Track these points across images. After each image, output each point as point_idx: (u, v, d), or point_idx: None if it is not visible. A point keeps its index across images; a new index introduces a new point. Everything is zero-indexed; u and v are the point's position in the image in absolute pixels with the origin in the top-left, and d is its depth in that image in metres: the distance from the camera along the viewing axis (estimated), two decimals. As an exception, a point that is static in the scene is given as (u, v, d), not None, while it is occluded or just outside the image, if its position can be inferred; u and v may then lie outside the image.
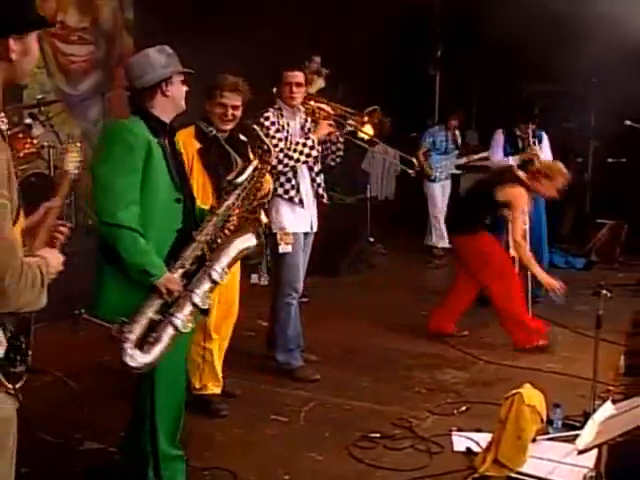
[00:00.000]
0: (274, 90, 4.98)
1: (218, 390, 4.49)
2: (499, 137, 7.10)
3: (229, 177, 3.53)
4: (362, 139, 5.28)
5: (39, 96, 7.17)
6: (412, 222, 9.58)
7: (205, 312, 3.36)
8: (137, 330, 3.08)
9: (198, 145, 4.21)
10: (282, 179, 4.87)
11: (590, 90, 9.64)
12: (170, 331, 3.13)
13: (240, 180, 3.50)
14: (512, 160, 6.97)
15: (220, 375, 4.52)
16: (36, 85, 7.95)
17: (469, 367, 5.38)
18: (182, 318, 3.15)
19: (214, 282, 3.26)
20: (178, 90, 3.29)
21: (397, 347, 5.79)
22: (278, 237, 4.90)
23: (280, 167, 4.75)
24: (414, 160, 6.32)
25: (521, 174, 5.80)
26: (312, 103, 5.15)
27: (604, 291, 4.19)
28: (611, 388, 4.61)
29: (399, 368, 5.36)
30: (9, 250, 2.00)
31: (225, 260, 3.32)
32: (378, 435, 4.18)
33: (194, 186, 3.93)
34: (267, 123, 4.80)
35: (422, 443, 4.12)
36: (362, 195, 9.49)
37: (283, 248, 4.91)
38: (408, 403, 4.70)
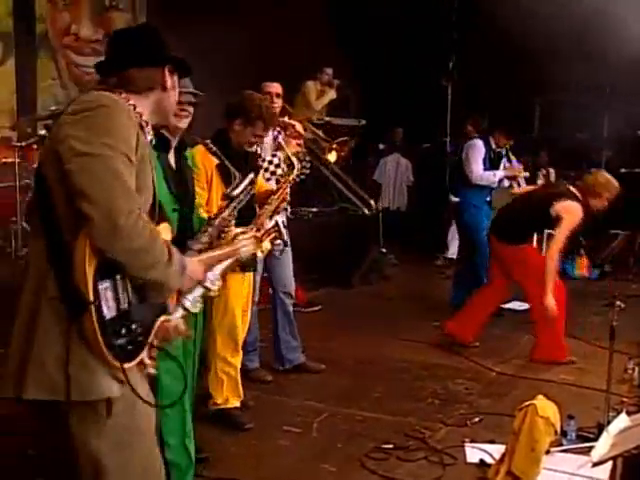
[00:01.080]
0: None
1: (238, 403, 4.47)
2: (479, 150, 6.91)
3: (227, 190, 3.59)
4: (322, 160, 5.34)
5: (53, 107, 7.23)
6: (424, 232, 9.58)
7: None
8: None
9: (216, 161, 4.25)
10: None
11: (603, 100, 9.63)
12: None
13: (236, 193, 3.57)
14: (498, 175, 6.95)
15: (241, 388, 4.52)
16: (50, 97, 8.02)
17: (482, 378, 5.36)
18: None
19: (206, 288, 3.30)
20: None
21: (410, 358, 5.78)
22: None
23: None
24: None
25: (574, 190, 5.68)
26: (286, 119, 5.18)
27: (618, 302, 4.17)
28: (625, 400, 4.59)
29: (412, 379, 5.35)
30: (127, 192, 2.05)
31: (219, 268, 3.36)
32: (391, 446, 4.17)
33: (214, 199, 4.06)
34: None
35: (435, 454, 4.10)
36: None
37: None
38: (421, 414, 4.69)
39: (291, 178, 4.41)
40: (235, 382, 4.45)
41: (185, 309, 3.20)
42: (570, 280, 8.57)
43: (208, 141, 4.21)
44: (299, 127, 5.18)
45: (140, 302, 2.22)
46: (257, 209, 4.25)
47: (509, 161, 7.09)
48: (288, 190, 4.53)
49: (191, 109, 3.65)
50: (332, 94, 9.23)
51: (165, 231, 2.44)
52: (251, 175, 3.71)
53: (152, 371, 2.31)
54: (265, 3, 8.85)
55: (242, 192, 3.60)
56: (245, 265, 4.01)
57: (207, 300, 4.18)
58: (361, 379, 5.33)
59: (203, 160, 4.12)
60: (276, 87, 5.08)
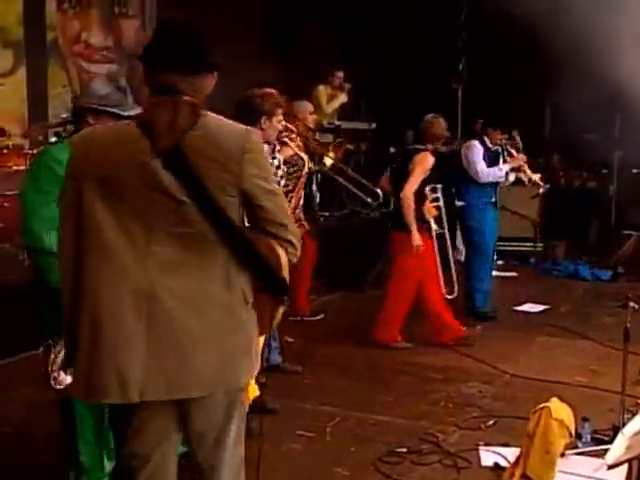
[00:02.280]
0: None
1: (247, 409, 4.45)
2: (478, 149, 6.87)
3: None
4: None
5: (64, 115, 7.25)
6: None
7: None
8: (62, 353, 2.98)
9: None
10: None
11: (614, 101, 9.58)
12: None
13: None
14: (504, 169, 6.90)
15: (250, 393, 4.50)
16: (60, 104, 8.05)
17: (495, 381, 5.33)
18: None
19: None
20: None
21: (422, 361, 5.76)
22: None
23: None
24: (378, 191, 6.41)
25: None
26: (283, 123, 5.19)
27: (631, 303, 4.15)
28: (640, 401, 4.56)
29: (424, 382, 5.33)
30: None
31: None
32: (405, 450, 4.16)
33: None
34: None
35: (449, 458, 4.08)
36: (386, 209, 9.46)
37: None
38: (434, 417, 4.67)
39: (304, 172, 4.45)
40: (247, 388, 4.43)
41: None
42: (584, 282, 8.56)
43: None
44: (295, 131, 5.18)
45: None
46: None
47: (510, 155, 7.05)
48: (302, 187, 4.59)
49: None
50: (343, 97, 9.23)
51: None
52: None
53: None
54: (274, 6, 8.87)
55: None
56: None
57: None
58: (373, 383, 5.31)
59: None
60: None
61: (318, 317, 6.86)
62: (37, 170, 3.43)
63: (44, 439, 4.26)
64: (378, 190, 6.40)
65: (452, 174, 7.13)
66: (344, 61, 9.36)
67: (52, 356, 3.05)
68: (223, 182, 2.31)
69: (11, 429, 4.44)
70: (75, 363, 2.37)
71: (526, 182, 7.23)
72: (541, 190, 7.44)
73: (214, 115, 2.39)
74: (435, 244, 6.16)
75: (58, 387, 3.06)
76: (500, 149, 6.99)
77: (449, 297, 6.44)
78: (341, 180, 6.59)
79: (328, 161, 5.33)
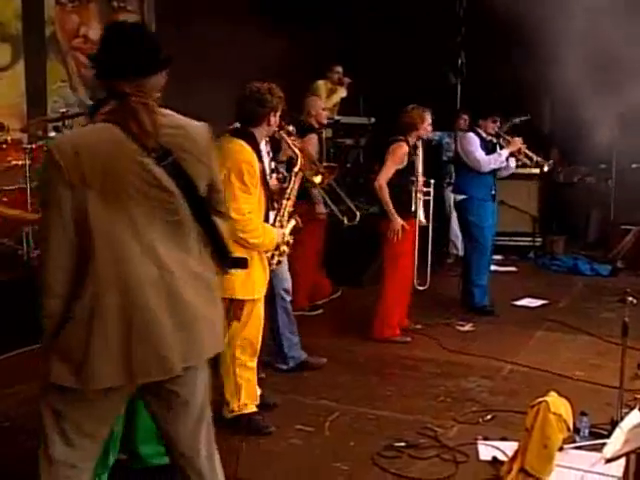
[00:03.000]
0: None
1: (255, 408, 4.43)
2: (475, 140, 6.89)
3: None
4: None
5: (63, 109, 7.24)
6: (434, 231, 9.53)
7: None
8: None
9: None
10: None
11: (614, 97, 9.57)
12: None
13: None
14: (503, 153, 6.90)
15: (257, 391, 4.51)
16: (60, 98, 8.05)
17: (494, 375, 5.34)
18: None
19: None
20: None
21: (421, 355, 5.77)
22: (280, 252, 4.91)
23: None
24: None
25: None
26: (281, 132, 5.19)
27: (630, 298, 4.15)
28: (638, 396, 4.56)
29: (423, 377, 5.34)
30: None
31: None
32: (403, 444, 4.16)
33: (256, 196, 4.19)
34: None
35: (448, 452, 4.09)
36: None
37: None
38: (433, 412, 4.68)
39: (297, 169, 4.46)
40: (253, 386, 4.43)
41: None
42: (583, 276, 8.56)
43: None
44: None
45: None
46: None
47: (506, 142, 7.05)
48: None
49: None
50: (342, 92, 9.22)
51: None
52: None
53: None
54: (273, 1, 8.85)
55: None
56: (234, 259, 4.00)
57: (226, 304, 4.21)
58: (372, 377, 5.33)
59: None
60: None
61: (317, 312, 6.87)
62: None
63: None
64: (357, 213, 6.52)
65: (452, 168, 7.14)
66: (343, 56, 9.35)
67: None
68: (201, 173, 2.60)
69: (10, 424, 4.45)
70: (96, 353, 2.45)
71: (529, 163, 7.22)
72: (546, 167, 7.42)
73: (173, 112, 2.61)
74: (416, 234, 6.25)
75: None
76: (495, 139, 6.99)
77: (420, 288, 6.48)
78: (326, 198, 6.72)
79: (317, 179, 5.39)
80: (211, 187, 2.66)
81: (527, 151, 7.14)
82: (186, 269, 2.57)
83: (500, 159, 6.86)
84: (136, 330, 2.47)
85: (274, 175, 4.82)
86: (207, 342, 2.64)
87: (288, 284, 5.17)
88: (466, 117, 8.41)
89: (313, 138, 6.51)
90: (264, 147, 4.75)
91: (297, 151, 4.57)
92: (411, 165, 6.11)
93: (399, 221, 5.95)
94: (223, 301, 4.18)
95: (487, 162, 6.81)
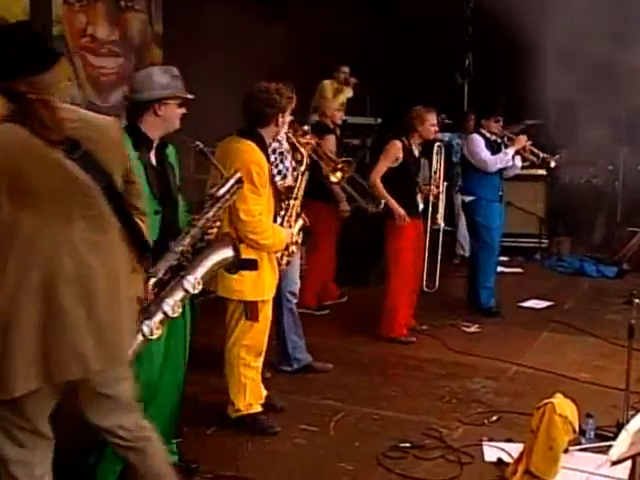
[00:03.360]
0: None
1: (260, 407, 4.42)
2: (479, 141, 6.87)
3: (211, 190, 3.54)
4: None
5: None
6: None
7: None
8: None
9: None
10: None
11: (620, 96, 9.55)
12: (139, 337, 3.14)
13: (221, 193, 3.53)
14: (509, 152, 6.89)
15: (262, 391, 4.50)
16: (67, 97, 8.05)
17: (499, 376, 5.33)
18: (151, 325, 3.17)
19: (186, 291, 3.30)
20: (172, 111, 3.40)
21: (426, 356, 5.77)
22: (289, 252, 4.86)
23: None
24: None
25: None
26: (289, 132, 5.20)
27: (637, 300, 4.14)
28: (644, 398, 4.55)
29: (429, 377, 5.33)
30: None
31: (200, 271, 3.34)
32: (408, 445, 4.16)
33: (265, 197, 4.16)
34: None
35: (453, 453, 4.09)
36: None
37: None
38: (438, 413, 4.68)
39: (303, 168, 4.47)
40: (257, 386, 4.42)
41: (164, 313, 3.23)
42: (589, 278, 8.55)
43: None
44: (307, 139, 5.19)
45: None
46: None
47: (510, 140, 7.04)
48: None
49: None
50: (348, 92, 9.21)
51: None
52: (238, 175, 3.65)
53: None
54: (278, 2, 8.86)
55: (227, 192, 3.55)
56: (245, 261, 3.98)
57: (234, 305, 4.22)
58: (377, 378, 5.32)
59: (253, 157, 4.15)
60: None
61: (323, 312, 6.86)
62: None
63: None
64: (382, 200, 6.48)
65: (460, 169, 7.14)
66: (350, 56, 9.34)
67: None
68: (114, 164, 2.62)
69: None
70: (15, 355, 2.45)
71: (536, 160, 7.21)
72: (553, 163, 7.41)
73: (78, 108, 2.69)
74: (422, 234, 6.29)
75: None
76: (500, 139, 6.98)
77: (428, 290, 6.49)
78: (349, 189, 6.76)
79: (335, 177, 5.44)
80: (126, 180, 2.70)
81: (532, 148, 7.13)
82: (105, 266, 2.58)
83: (506, 158, 6.85)
84: (52, 331, 2.47)
85: (290, 175, 4.83)
86: (123, 342, 2.69)
87: (296, 287, 5.17)
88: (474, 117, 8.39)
89: (331, 138, 6.68)
90: (284, 145, 4.78)
91: (303, 151, 4.58)
92: (415, 165, 6.12)
93: (400, 210, 5.98)
94: (230, 302, 4.22)
95: (494, 162, 6.80)
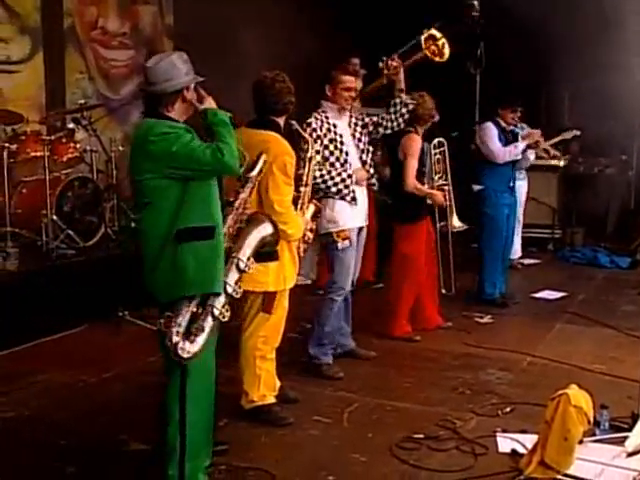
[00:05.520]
0: (327, 89, 5.05)
1: (273, 399, 4.42)
2: (492, 130, 6.79)
3: (242, 171, 3.62)
4: None
5: (81, 101, 7.27)
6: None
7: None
8: (183, 322, 3.20)
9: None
10: (336, 179, 4.94)
11: (635, 87, 9.48)
12: (210, 320, 3.26)
13: (252, 174, 3.70)
14: (520, 146, 6.85)
15: (277, 382, 4.50)
16: (78, 90, 8.07)
17: (513, 368, 5.31)
18: (219, 307, 3.28)
19: (242, 271, 3.44)
20: (193, 95, 3.45)
21: (440, 348, 5.75)
22: (335, 235, 4.98)
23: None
24: None
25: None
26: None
27: (651, 290, 4.11)
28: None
29: (442, 369, 5.32)
30: None
31: (248, 250, 3.50)
32: (422, 436, 4.15)
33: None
34: (309, 130, 4.84)
35: (466, 444, 4.07)
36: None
37: (342, 244, 4.99)
38: (452, 404, 4.66)
39: (309, 154, 4.48)
40: (272, 377, 4.42)
41: (228, 295, 3.35)
42: (602, 269, 8.50)
43: None
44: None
45: None
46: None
47: (527, 134, 7.01)
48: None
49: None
50: (358, 84, 9.17)
51: None
52: (264, 156, 3.79)
53: None
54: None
55: (258, 174, 3.73)
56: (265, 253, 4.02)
57: (253, 296, 4.22)
58: (391, 369, 5.31)
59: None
60: (353, 81, 5.24)
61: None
62: None
63: (63, 423, 4.30)
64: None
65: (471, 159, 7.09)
66: (360, 47, 9.31)
67: (174, 326, 3.16)
68: None
69: (30, 412, 4.48)
70: None
71: (546, 156, 7.19)
72: (562, 163, 7.39)
73: None
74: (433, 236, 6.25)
75: (186, 355, 3.16)
76: (516, 129, 6.94)
77: (445, 293, 6.47)
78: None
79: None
80: None
81: (545, 145, 7.10)
82: None
83: (516, 151, 6.80)
84: None
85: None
86: None
87: (346, 283, 5.17)
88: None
89: None
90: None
91: (307, 137, 4.57)
92: (422, 157, 6.01)
93: (439, 195, 6.00)
94: (250, 294, 4.22)
95: (502, 154, 6.75)
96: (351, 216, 5.05)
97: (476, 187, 6.97)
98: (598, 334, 6.07)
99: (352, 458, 3.96)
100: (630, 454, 2.89)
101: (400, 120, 5.27)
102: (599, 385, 4.69)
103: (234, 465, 3.82)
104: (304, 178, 4.50)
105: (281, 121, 4.29)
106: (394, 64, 5.28)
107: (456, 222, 6.37)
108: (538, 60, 9.17)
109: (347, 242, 5.00)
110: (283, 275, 4.25)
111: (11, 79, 7.49)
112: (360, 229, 5.19)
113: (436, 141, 6.42)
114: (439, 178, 6.42)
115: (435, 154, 6.32)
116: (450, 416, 4.43)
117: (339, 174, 4.96)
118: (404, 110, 5.27)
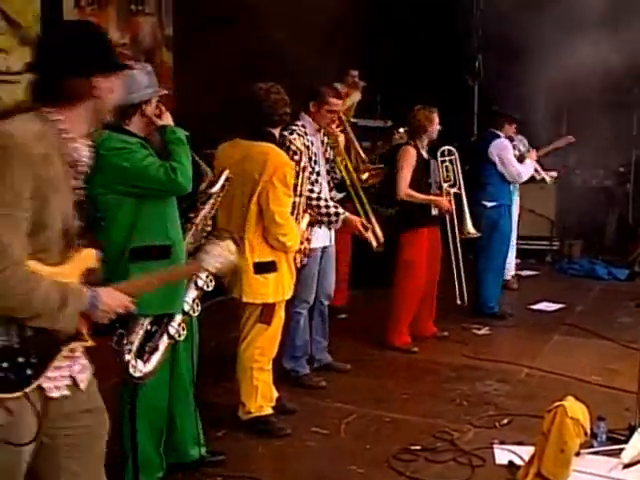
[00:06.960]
0: (311, 105, 4.96)
1: (270, 410, 4.42)
2: (510, 150, 6.90)
3: (201, 187, 3.57)
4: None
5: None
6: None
7: None
8: (136, 341, 3.13)
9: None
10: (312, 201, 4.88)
11: (632, 99, 9.53)
12: (165, 340, 3.21)
13: (214, 190, 3.60)
14: (529, 165, 6.98)
15: (273, 393, 4.50)
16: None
17: (510, 379, 5.32)
18: (175, 326, 3.24)
19: (200, 289, 3.36)
20: (153, 111, 3.38)
21: (438, 359, 5.76)
22: (302, 250, 4.92)
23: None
24: None
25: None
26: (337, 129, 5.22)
27: (648, 303, 4.13)
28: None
29: (440, 380, 5.33)
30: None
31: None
32: (419, 448, 4.16)
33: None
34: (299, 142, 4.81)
35: (464, 456, 4.08)
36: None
37: (301, 261, 4.89)
38: (449, 415, 4.67)
39: (302, 165, 4.54)
40: (269, 388, 4.42)
41: (185, 312, 3.27)
42: (600, 281, 8.51)
43: None
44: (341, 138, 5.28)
45: (37, 334, 2.15)
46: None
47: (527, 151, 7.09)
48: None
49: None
50: (357, 96, 9.20)
51: (87, 258, 2.32)
52: (227, 172, 3.71)
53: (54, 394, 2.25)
54: (290, 6, 8.87)
55: (220, 189, 3.63)
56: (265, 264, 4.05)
57: (252, 307, 4.22)
58: (389, 380, 5.32)
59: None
60: (339, 104, 5.15)
61: (341, 316, 6.80)
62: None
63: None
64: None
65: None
66: (359, 59, 9.35)
67: (126, 345, 3.08)
68: None
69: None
70: None
71: (536, 176, 7.30)
72: (548, 179, 7.51)
73: None
74: (439, 238, 6.26)
75: (137, 375, 3.10)
76: (519, 141, 7.02)
77: (459, 303, 6.47)
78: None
79: (364, 176, 5.45)
80: None
81: (540, 153, 7.25)
82: None
83: (530, 170, 7.02)
84: None
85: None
86: None
87: (330, 289, 5.24)
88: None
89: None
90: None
91: (300, 148, 4.59)
92: (426, 169, 6.06)
93: (442, 200, 6.02)
94: (249, 306, 4.22)
95: (524, 175, 6.95)
96: (316, 236, 4.98)
97: (489, 203, 6.92)
98: (596, 346, 6.07)
99: (349, 469, 3.96)
100: (627, 466, 2.89)
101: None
102: (596, 397, 4.70)
103: (230, 475, 3.82)
104: (298, 188, 4.50)
105: (276, 132, 4.30)
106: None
107: (471, 228, 6.34)
108: (535, 70, 9.21)
109: (305, 259, 4.90)
110: (282, 286, 4.26)
111: (11, 89, 7.50)
112: (325, 248, 5.13)
113: (445, 149, 6.42)
114: (449, 186, 6.41)
115: (444, 162, 6.31)
116: (448, 428, 4.44)
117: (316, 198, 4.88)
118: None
